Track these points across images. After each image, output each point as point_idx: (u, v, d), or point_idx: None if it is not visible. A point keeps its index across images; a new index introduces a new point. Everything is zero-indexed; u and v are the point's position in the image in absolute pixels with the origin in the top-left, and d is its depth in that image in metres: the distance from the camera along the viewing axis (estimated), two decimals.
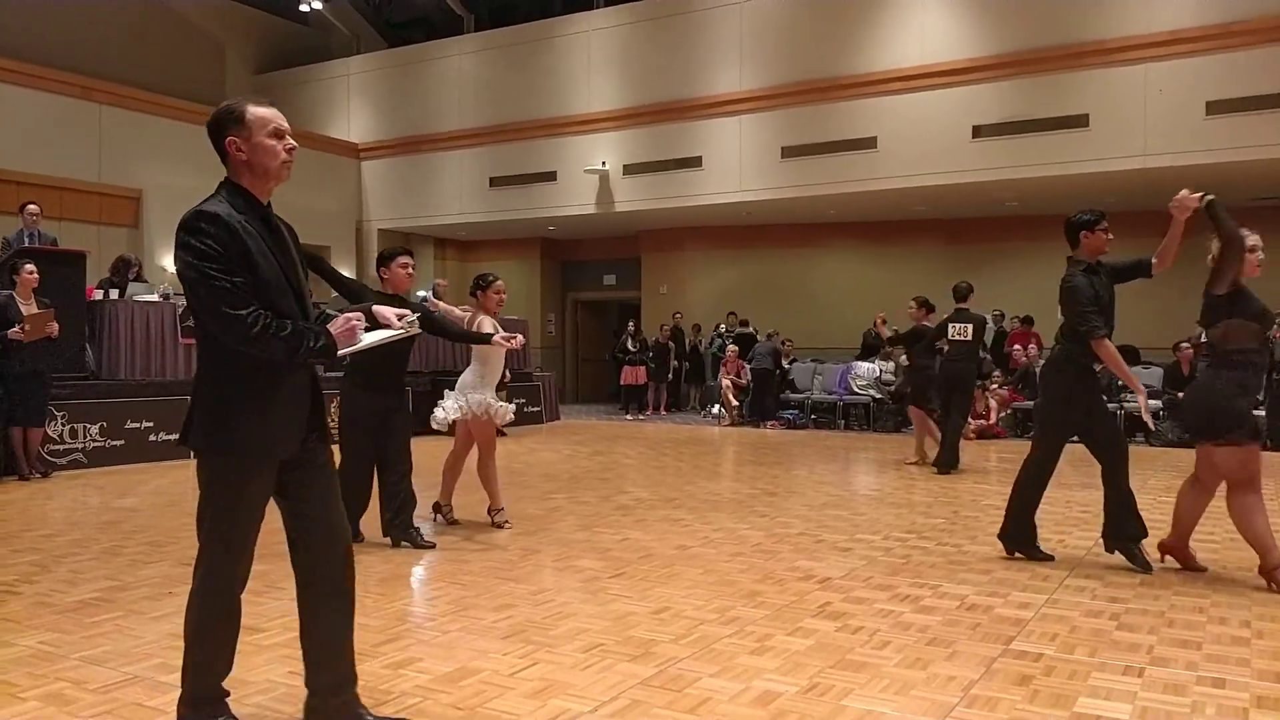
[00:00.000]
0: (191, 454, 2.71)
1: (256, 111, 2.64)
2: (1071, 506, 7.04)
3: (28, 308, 8.00)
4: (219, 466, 2.61)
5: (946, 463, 8.96)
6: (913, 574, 4.89)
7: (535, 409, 14.88)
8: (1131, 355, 13.41)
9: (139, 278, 10.70)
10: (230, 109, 2.65)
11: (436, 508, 6.44)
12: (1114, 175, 12.70)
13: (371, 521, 5.66)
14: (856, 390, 13.99)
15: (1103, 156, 12.49)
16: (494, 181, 17.32)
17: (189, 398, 2.70)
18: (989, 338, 13.05)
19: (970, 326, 9.18)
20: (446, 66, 17.92)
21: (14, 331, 7.81)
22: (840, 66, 14.20)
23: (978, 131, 13.29)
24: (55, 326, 8.10)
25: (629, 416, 15.79)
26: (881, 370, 13.88)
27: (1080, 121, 12.64)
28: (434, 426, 6.22)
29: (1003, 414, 12.70)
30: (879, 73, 13.92)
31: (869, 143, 13.98)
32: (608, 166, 15.96)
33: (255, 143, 2.64)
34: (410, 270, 5.75)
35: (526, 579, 4.77)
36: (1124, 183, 13.08)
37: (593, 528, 6.12)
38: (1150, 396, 12.05)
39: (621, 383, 16.14)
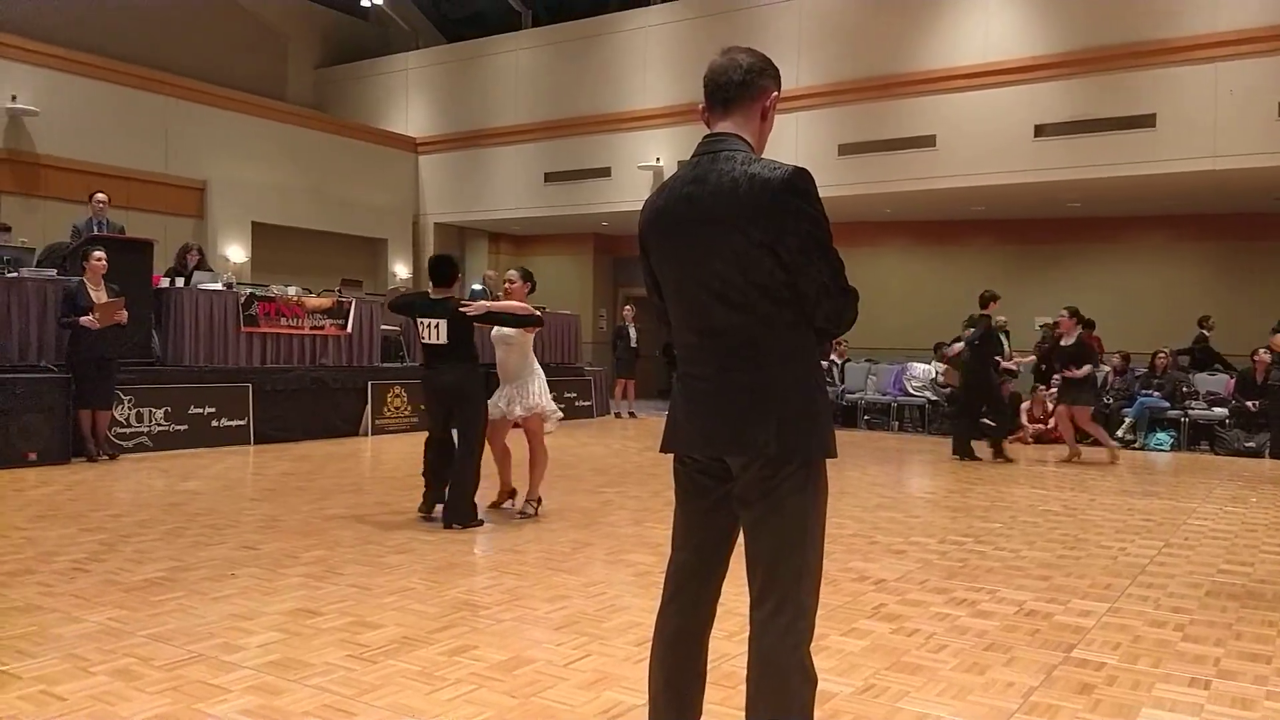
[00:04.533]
0: (737, 466, 2.13)
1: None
2: (1133, 514, 6.89)
3: (97, 294, 8.22)
4: (824, 477, 2.14)
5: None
6: (969, 578, 4.82)
7: (586, 403, 14.94)
8: (1207, 358, 13.11)
9: (202, 266, 10.94)
10: (772, 63, 2.25)
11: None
12: (1181, 177, 12.38)
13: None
14: (912, 391, 13.82)
15: (1170, 158, 12.17)
16: (549, 177, 17.40)
17: (734, 398, 2.10)
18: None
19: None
20: (503, 62, 18.04)
21: (86, 319, 8.03)
22: (900, 63, 14.03)
23: (1040, 131, 13.03)
24: (125, 314, 8.31)
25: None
26: (937, 372, 13.69)
27: (1147, 121, 12.34)
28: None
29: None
30: (940, 70, 13.72)
31: (928, 141, 13.79)
32: (662, 162, 15.95)
33: (775, 110, 2.28)
34: None
35: (579, 571, 4.79)
36: (1191, 185, 12.75)
37: (644, 522, 6.14)
38: (1217, 404, 11.82)
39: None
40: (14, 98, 12.70)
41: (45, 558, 4.78)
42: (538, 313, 6.24)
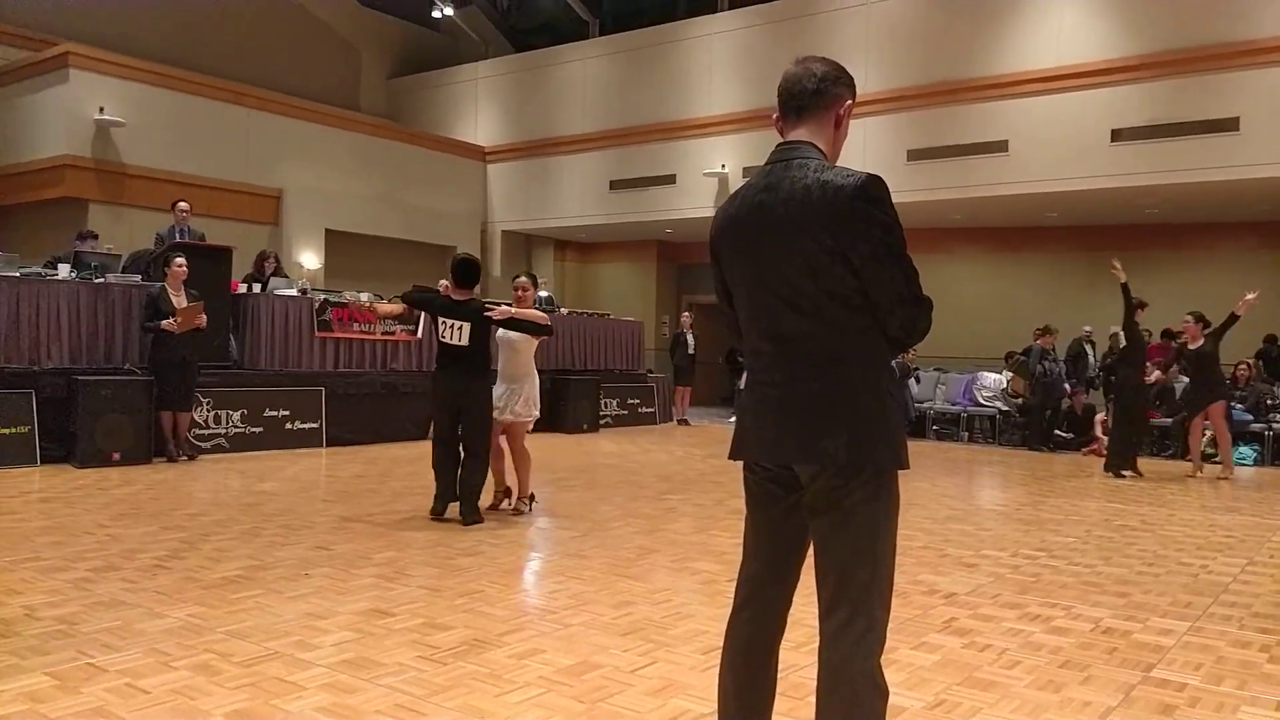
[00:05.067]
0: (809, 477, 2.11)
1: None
2: (1215, 530, 6.67)
3: (177, 299, 8.49)
4: (896, 488, 2.11)
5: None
6: (1043, 593, 4.72)
7: (649, 410, 14.97)
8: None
9: (278, 272, 11.22)
10: (846, 71, 2.26)
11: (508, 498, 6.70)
12: (1267, 182, 11.97)
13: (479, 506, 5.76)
14: (982, 401, 13.57)
15: (1255, 162, 11.78)
16: (614, 184, 17.50)
17: (804, 406, 2.08)
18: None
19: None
20: (571, 71, 18.20)
21: (167, 323, 8.30)
22: (971, 68, 13.81)
23: (1117, 135, 12.72)
24: (204, 318, 8.57)
25: (732, 419, 15.73)
26: (1007, 380, 13.43)
27: (1230, 125, 11.96)
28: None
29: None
30: (1012, 74, 13.48)
31: (1000, 146, 13.55)
32: (727, 169, 15.94)
33: (849, 118, 2.28)
34: None
35: (644, 578, 4.80)
36: (1276, 191, 12.32)
37: (708, 530, 6.13)
38: None
39: (741, 387, 16.05)
40: (101, 109, 13.18)
41: (129, 555, 4.95)
42: (549, 322, 6.42)
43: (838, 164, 2.17)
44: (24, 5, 14.52)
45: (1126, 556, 5.68)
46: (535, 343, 6.50)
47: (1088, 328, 13.56)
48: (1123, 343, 10.07)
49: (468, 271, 6.18)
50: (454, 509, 6.16)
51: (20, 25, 14.28)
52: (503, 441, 6.58)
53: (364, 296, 11.30)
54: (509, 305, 6.47)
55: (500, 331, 6.34)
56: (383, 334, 11.11)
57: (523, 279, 6.58)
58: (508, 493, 6.70)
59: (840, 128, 2.24)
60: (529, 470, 6.64)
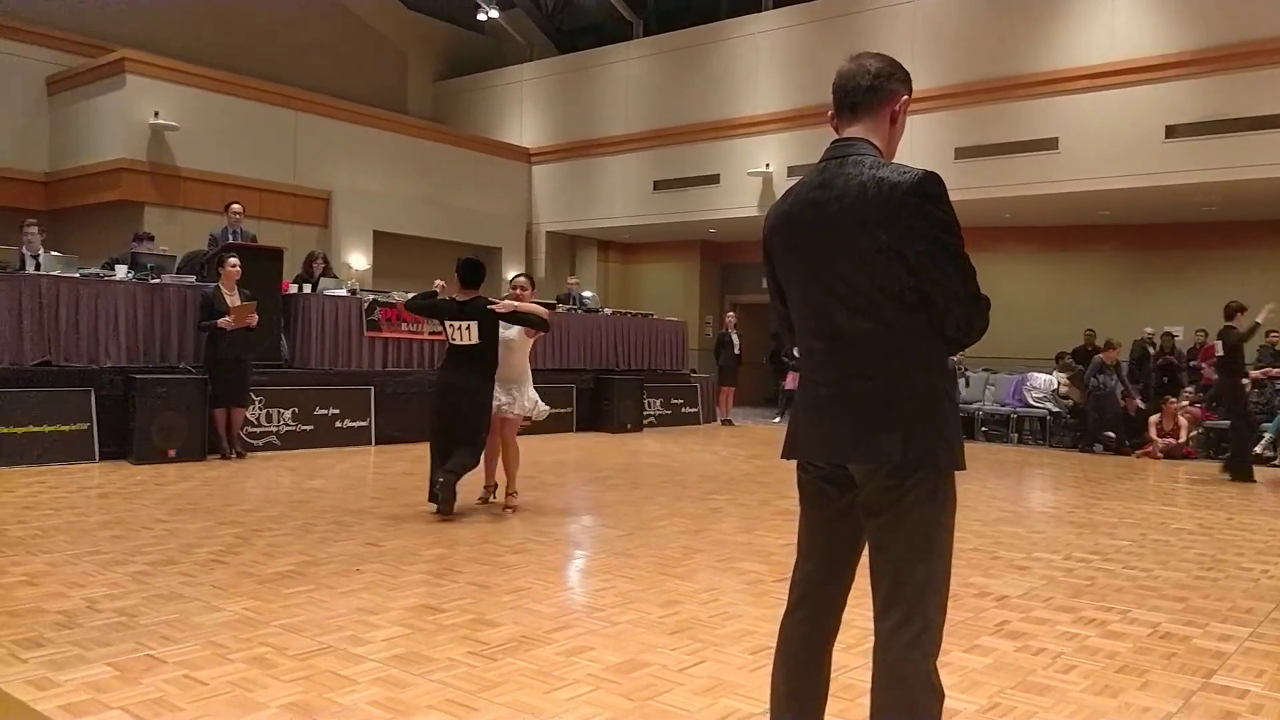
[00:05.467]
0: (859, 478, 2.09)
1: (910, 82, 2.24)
2: (1276, 534, 6.51)
3: (231, 298, 8.65)
4: (952, 490, 2.09)
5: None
6: (1098, 597, 4.63)
7: (692, 410, 14.95)
8: None
9: (327, 273, 11.38)
10: (901, 66, 2.22)
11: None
12: None
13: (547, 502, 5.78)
14: (1032, 402, 13.36)
15: None
16: (658, 184, 17.51)
17: (859, 405, 2.05)
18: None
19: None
20: (615, 72, 18.24)
21: (223, 320, 8.47)
22: (1019, 64, 13.63)
23: (1171, 131, 12.47)
24: (256, 318, 8.73)
25: (776, 420, 15.70)
26: (1059, 382, 13.22)
27: None
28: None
29: (1194, 433, 11.86)
30: (1062, 70, 13.27)
31: (1050, 144, 13.35)
32: (771, 168, 15.87)
33: (905, 114, 2.24)
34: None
35: (690, 577, 4.80)
36: None
37: (754, 530, 6.10)
38: None
39: (787, 387, 15.93)
40: (156, 114, 13.47)
41: (186, 549, 5.05)
42: (549, 317, 6.58)
43: (893, 161, 2.15)
44: (80, 13, 14.88)
45: (1184, 561, 5.56)
46: (530, 343, 6.62)
47: (1149, 329, 13.32)
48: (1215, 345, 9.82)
49: (474, 272, 6.29)
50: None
51: (77, 32, 14.63)
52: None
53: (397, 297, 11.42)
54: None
55: (501, 333, 6.37)
56: (430, 333, 11.21)
57: (521, 278, 6.70)
58: (493, 487, 6.79)
59: (896, 124, 2.20)
60: (519, 466, 6.74)
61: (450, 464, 6.11)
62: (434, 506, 6.22)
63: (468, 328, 6.13)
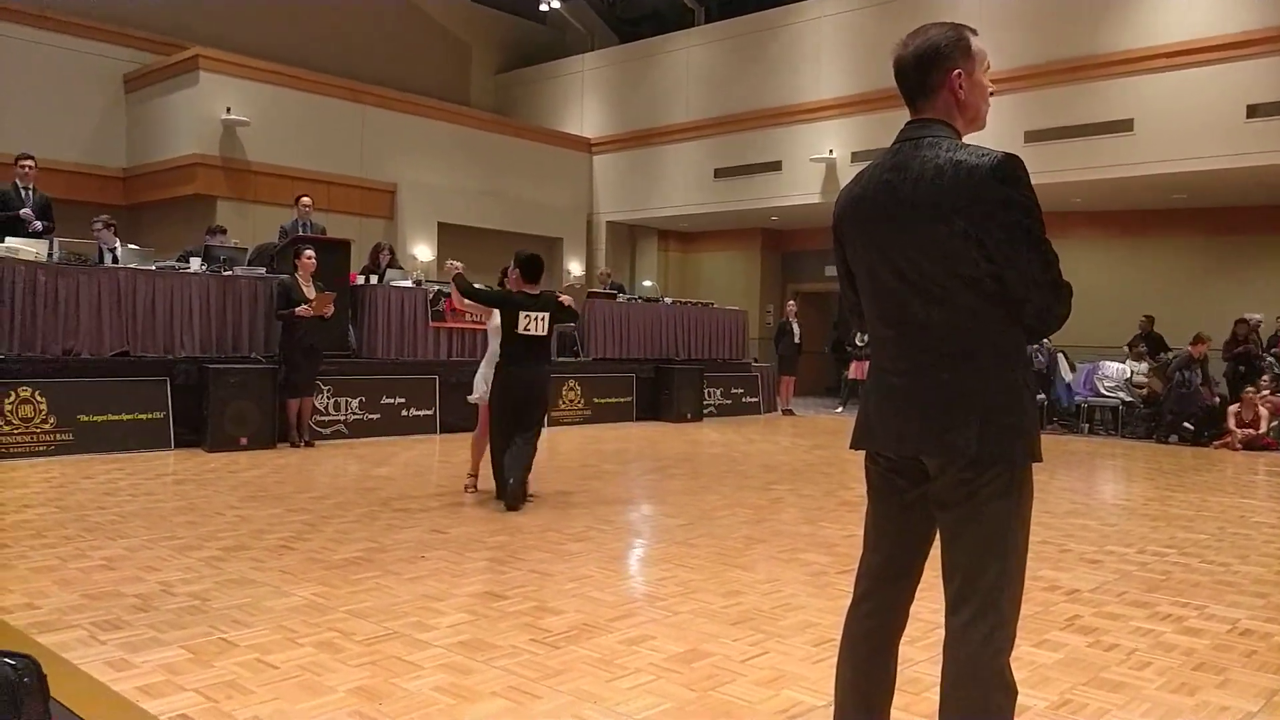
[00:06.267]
0: (938, 470, 2.02)
1: (978, 43, 2.11)
2: None
3: (308, 289, 8.82)
4: (1029, 485, 2.02)
5: None
6: (1174, 592, 4.50)
7: (753, 399, 14.87)
8: None
9: (393, 264, 11.54)
10: (959, 36, 2.09)
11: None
12: None
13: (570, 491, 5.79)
14: (1104, 392, 13.01)
15: None
16: (718, 173, 17.40)
17: (933, 396, 1.99)
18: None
19: None
20: (675, 60, 18.16)
21: (302, 309, 8.64)
22: (1091, 44, 13.23)
23: (1253, 111, 12.00)
24: (332, 308, 8.91)
25: (839, 410, 15.56)
26: (1133, 371, 12.85)
27: None
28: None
29: (1274, 423, 11.44)
30: (1137, 50, 12.85)
31: (1124, 125, 12.95)
32: (835, 154, 15.67)
33: (976, 80, 2.10)
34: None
35: (752, 568, 4.77)
36: None
37: (816, 521, 6.04)
38: None
39: (850, 376, 15.76)
40: (229, 109, 13.78)
41: (257, 535, 5.17)
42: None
43: (970, 142, 2.07)
44: (155, 11, 15.27)
45: (1264, 555, 5.37)
46: None
47: (1257, 315, 12.85)
48: None
49: (538, 266, 6.53)
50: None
51: (152, 30, 15.03)
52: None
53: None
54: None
55: (493, 322, 6.65)
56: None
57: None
58: (478, 476, 6.89)
59: (962, 100, 2.09)
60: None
61: (524, 461, 6.27)
62: (502, 501, 6.29)
63: (540, 318, 6.36)
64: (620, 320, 13.22)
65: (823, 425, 13.33)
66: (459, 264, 6.84)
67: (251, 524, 5.45)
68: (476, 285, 6.90)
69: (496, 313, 6.53)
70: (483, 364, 6.82)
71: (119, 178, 14.80)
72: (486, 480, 6.99)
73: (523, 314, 6.33)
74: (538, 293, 6.42)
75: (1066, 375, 13.14)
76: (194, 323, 8.97)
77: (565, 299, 6.59)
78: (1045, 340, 12.56)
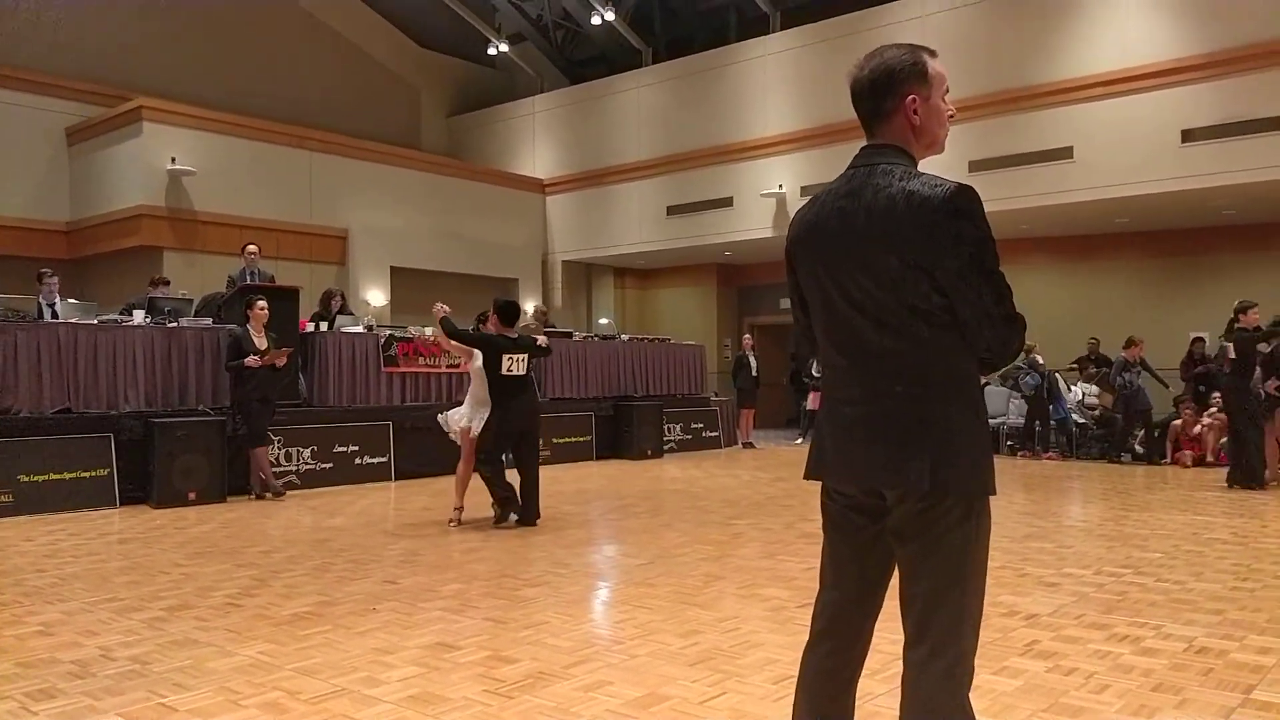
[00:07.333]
0: (895, 500, 1.99)
1: (936, 66, 2.10)
2: None
3: (259, 340, 8.65)
4: (986, 516, 1.99)
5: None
6: (1131, 612, 4.51)
7: (713, 434, 14.85)
8: None
9: (344, 310, 11.41)
10: (915, 60, 2.08)
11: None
12: None
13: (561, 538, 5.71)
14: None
15: None
16: (671, 210, 17.51)
17: (886, 427, 1.97)
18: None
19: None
20: (626, 100, 18.31)
21: (251, 359, 8.45)
22: (1030, 75, 13.55)
23: (1188, 136, 12.33)
24: (284, 360, 8.79)
25: (799, 441, 15.59)
26: (1084, 393, 13.03)
27: None
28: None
29: (1224, 440, 11.62)
30: (1074, 79, 13.17)
31: (1064, 153, 13.23)
32: (784, 189, 15.83)
33: (933, 104, 2.09)
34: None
35: (711, 605, 4.71)
36: None
37: (776, 555, 6.00)
38: None
39: (809, 407, 15.79)
40: (174, 160, 13.63)
41: (202, 593, 5.02)
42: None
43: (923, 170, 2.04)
44: (98, 63, 15.10)
45: (1219, 572, 5.41)
46: None
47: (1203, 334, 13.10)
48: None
49: (515, 311, 7.25)
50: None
51: (95, 82, 14.85)
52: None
53: (429, 331, 11.43)
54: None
55: (474, 364, 7.23)
56: (448, 367, 11.21)
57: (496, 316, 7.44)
58: (463, 510, 7.34)
59: (915, 126, 2.07)
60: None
61: (537, 484, 7.21)
62: (510, 517, 7.18)
63: (521, 359, 7.04)
64: (577, 359, 13.17)
65: (783, 457, 13.33)
66: (446, 307, 7.35)
67: (197, 581, 5.29)
68: (460, 327, 7.39)
69: (479, 355, 7.10)
70: (466, 403, 7.40)
71: (63, 231, 14.54)
72: (472, 512, 7.33)
73: (505, 356, 6.95)
74: (516, 335, 7.06)
75: (1065, 396, 13.24)
76: (138, 376, 8.78)
77: (541, 339, 7.35)
78: (1039, 360, 12.75)
